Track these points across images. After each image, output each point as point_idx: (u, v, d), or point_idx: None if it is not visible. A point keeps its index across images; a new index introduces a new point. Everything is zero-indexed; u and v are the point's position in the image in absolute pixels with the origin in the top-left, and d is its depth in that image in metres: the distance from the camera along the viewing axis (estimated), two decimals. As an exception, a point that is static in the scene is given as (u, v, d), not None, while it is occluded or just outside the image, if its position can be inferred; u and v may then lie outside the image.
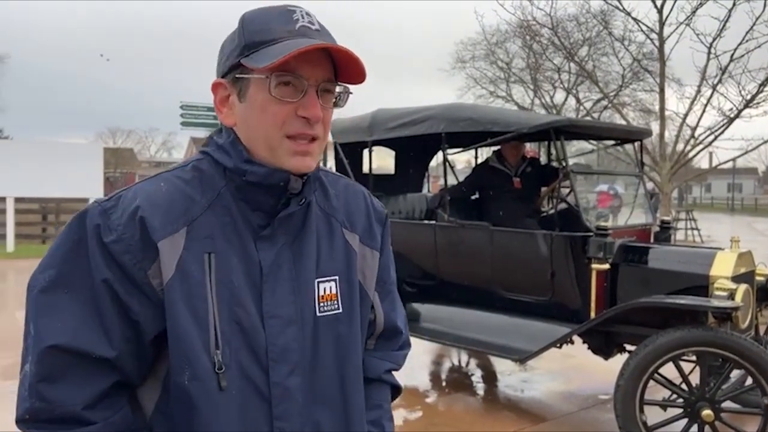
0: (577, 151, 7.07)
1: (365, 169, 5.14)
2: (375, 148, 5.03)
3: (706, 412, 3.02)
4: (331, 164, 5.10)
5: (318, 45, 0.89)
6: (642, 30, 11.77)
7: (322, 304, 0.99)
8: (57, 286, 0.87)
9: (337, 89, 0.97)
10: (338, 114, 5.61)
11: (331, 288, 1.00)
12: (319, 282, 0.99)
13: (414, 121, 4.51)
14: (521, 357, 3.77)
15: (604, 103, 16.75)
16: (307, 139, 0.93)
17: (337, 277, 1.01)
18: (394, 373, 1.18)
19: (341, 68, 0.95)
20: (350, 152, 5.09)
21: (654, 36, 11.49)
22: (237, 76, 0.94)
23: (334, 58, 0.94)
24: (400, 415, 4.04)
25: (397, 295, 1.20)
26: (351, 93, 0.99)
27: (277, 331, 0.93)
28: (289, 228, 0.97)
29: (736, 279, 3.31)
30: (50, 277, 0.88)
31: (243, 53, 0.92)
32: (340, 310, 1.00)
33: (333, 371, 0.99)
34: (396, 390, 1.20)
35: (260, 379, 0.92)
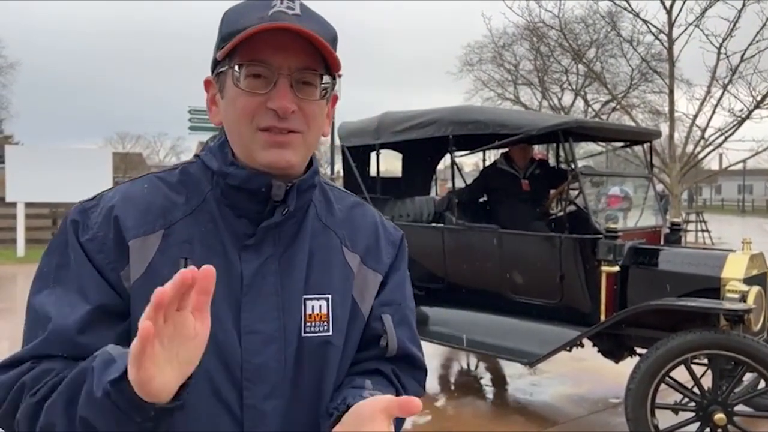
0: (585, 153, 7.04)
1: (373, 172, 5.14)
2: (382, 151, 5.03)
3: (719, 416, 2.98)
4: (338, 167, 5.11)
5: (267, 26, 0.80)
6: (651, 31, 11.73)
7: (308, 324, 0.89)
8: (50, 278, 0.85)
9: (325, 79, 0.87)
10: (345, 116, 5.57)
11: (321, 307, 0.90)
12: (306, 299, 0.89)
13: (421, 124, 4.51)
14: (531, 360, 3.74)
15: (613, 104, 16.68)
16: (283, 132, 0.85)
17: (329, 296, 0.91)
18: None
19: (325, 55, 0.86)
20: (358, 155, 5.10)
21: (663, 37, 11.44)
22: (218, 71, 0.89)
23: (315, 45, 0.84)
24: (408, 418, 4.02)
25: (413, 322, 1.05)
26: (333, 82, 0.89)
27: (255, 349, 0.84)
28: (278, 238, 0.90)
29: (748, 281, 3.28)
30: (45, 271, 0.87)
31: (219, 47, 0.87)
32: (330, 333, 0.90)
33: (312, 398, 0.89)
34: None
35: (233, 399, 0.84)
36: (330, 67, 0.88)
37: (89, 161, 12.57)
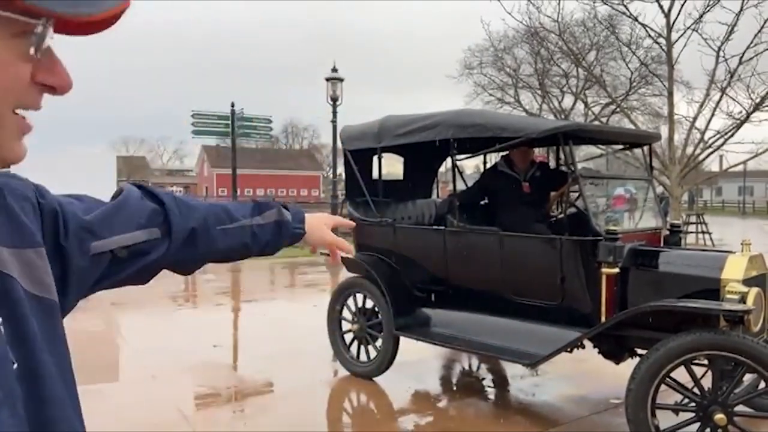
0: (585, 155, 7.08)
1: (375, 175, 5.18)
2: (384, 155, 5.06)
3: (719, 416, 3.00)
4: (341, 170, 5.16)
5: None
6: (649, 35, 11.77)
7: None
8: None
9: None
10: (347, 119, 5.61)
11: None
12: None
13: (422, 128, 4.55)
14: (532, 361, 3.77)
15: (613, 107, 16.72)
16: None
17: None
18: None
19: None
20: (360, 159, 5.14)
21: (661, 41, 11.48)
22: None
23: None
24: (410, 419, 4.05)
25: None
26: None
27: None
28: None
29: (748, 282, 3.30)
30: None
31: None
32: (16, 365, 0.65)
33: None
34: None
35: None
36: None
37: (93, 165, 12.64)
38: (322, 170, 57.43)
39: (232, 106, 14.66)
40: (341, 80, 14.97)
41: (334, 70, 14.89)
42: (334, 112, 14.93)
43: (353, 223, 1.49)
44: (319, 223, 1.27)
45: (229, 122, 14.60)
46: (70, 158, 13.07)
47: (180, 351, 5.67)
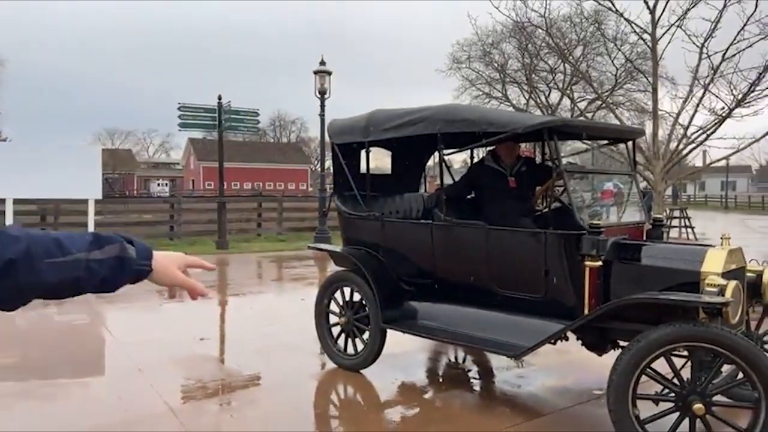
0: (571, 150, 7.15)
1: (363, 169, 5.20)
2: (372, 149, 5.09)
3: (698, 406, 3.07)
4: (329, 164, 5.17)
5: None
6: (635, 31, 11.86)
7: None
8: None
9: None
10: (336, 115, 5.62)
11: None
12: None
13: (410, 122, 4.57)
14: (517, 353, 3.83)
15: (599, 102, 16.84)
16: None
17: None
18: None
19: None
20: (348, 153, 5.16)
21: (646, 36, 11.57)
22: None
23: None
24: (397, 411, 4.10)
25: None
26: None
27: None
28: None
29: (727, 275, 3.36)
30: None
31: None
32: None
33: None
34: None
35: None
36: None
37: (79, 158, 12.50)
38: (310, 164, 57.20)
39: (219, 98, 14.57)
40: (329, 73, 14.92)
41: (322, 63, 14.84)
42: (322, 106, 14.89)
43: (212, 266, 1.38)
44: (169, 262, 1.22)
45: (216, 115, 14.51)
46: (55, 151, 12.90)
47: (167, 344, 5.67)
